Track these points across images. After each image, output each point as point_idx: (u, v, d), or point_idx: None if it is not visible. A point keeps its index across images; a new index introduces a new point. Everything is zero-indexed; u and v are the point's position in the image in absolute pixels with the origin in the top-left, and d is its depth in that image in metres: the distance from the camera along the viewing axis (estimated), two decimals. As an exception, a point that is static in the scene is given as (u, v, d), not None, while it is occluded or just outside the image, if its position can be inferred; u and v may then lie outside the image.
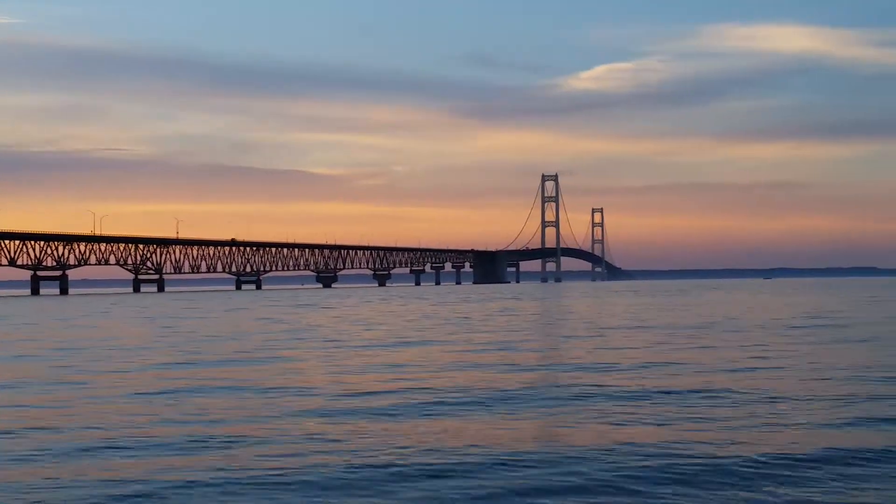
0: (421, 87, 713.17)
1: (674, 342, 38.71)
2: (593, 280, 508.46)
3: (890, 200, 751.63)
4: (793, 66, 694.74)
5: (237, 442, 16.12)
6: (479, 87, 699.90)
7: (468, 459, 14.41)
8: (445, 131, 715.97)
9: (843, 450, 14.77)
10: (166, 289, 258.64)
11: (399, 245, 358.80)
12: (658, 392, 21.99)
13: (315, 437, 16.51)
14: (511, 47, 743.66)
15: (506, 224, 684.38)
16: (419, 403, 20.60)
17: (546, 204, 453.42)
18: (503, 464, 14.13)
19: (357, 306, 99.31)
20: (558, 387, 23.51)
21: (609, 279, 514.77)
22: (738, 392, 21.77)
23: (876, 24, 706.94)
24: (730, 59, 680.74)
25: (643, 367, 28.21)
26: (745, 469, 13.62)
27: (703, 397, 20.99)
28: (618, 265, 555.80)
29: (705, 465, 13.85)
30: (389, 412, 19.36)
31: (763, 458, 14.22)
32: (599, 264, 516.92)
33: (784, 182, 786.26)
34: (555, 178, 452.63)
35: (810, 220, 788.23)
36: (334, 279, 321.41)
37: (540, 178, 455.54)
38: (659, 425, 17.40)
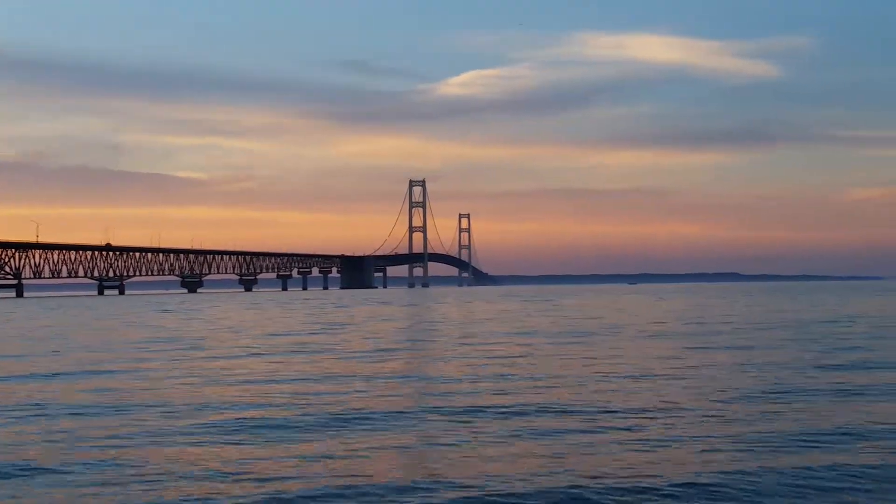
0: (289, 90, 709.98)
1: (544, 350, 38.49)
2: (460, 285, 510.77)
3: (752, 208, 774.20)
4: (659, 76, 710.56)
5: (92, 466, 15.40)
6: (349, 91, 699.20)
7: (321, 490, 13.73)
8: (313, 135, 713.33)
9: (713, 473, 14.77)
10: (25, 294, 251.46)
11: (266, 250, 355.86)
12: (530, 407, 21.68)
13: (172, 460, 15.86)
14: (381, 53, 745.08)
15: (373, 229, 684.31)
16: (280, 422, 19.83)
17: (414, 209, 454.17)
18: (359, 493, 13.48)
19: (226, 312, 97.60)
20: (425, 401, 23.13)
21: (476, 284, 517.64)
22: (609, 410, 21.57)
23: (739, 36, 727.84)
24: (597, 67, 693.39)
25: (515, 378, 27.87)
26: (602, 497, 13.33)
27: (574, 414, 20.78)
28: (485, 270, 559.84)
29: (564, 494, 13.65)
30: (247, 431, 18.68)
31: (625, 483, 14.10)
32: (466, 269, 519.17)
33: (649, 189, 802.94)
34: (422, 183, 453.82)
35: (675, 226, 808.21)
36: (200, 284, 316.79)
37: (408, 183, 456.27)
38: (514, 445, 17.21)
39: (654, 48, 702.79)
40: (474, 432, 18.21)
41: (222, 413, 21.15)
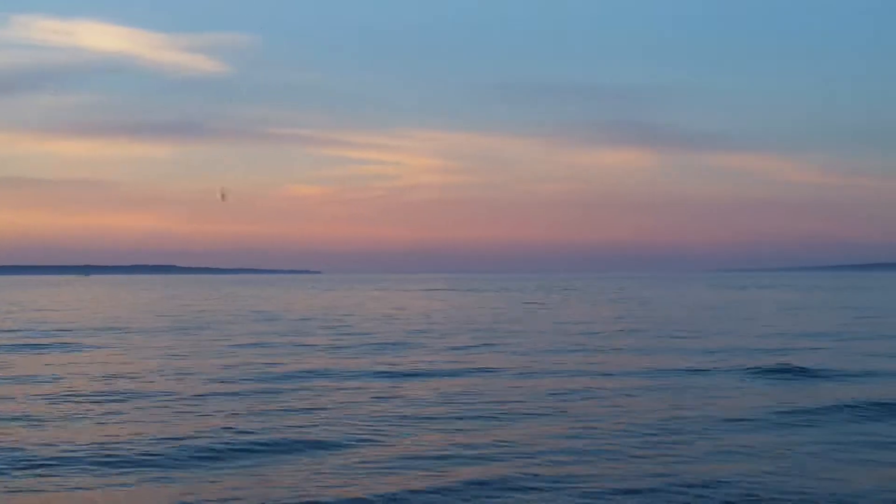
0: None
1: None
2: None
3: (193, 202, 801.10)
4: (104, 65, 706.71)
5: None
6: None
7: None
8: None
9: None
10: None
11: None
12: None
13: None
14: None
15: None
16: None
17: None
18: None
19: None
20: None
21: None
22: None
23: (184, 29, 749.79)
24: (44, 52, 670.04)
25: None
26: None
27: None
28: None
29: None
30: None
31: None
32: None
33: (94, 180, 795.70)
34: None
35: (119, 218, 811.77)
36: None
37: None
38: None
39: (101, 36, 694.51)
40: None
41: None
